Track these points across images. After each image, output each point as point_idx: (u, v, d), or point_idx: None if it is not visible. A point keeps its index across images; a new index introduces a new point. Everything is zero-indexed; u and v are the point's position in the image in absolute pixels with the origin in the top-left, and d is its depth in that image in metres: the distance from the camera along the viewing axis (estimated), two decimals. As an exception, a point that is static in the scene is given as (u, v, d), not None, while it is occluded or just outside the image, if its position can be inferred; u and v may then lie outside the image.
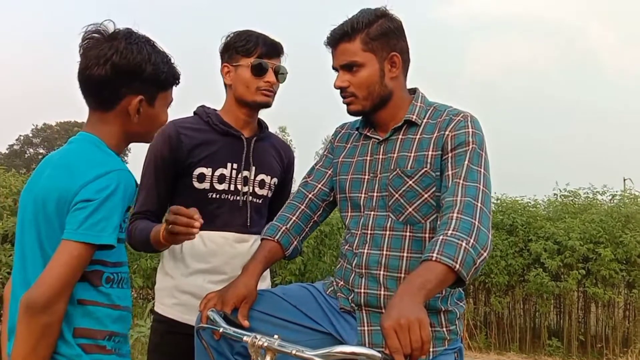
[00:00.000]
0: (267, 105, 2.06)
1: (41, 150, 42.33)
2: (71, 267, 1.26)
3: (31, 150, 43.13)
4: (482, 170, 1.64)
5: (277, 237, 1.86)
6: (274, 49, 2.04)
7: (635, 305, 7.14)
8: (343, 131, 1.99)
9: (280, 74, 2.06)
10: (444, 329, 1.69)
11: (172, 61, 1.50)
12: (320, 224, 2.01)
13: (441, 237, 1.47)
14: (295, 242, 1.89)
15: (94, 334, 1.36)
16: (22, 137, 43.40)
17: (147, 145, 2.05)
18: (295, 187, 2.13)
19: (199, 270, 2.00)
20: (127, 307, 1.46)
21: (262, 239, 1.88)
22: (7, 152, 41.97)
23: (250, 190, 2.08)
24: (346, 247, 1.83)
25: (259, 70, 2.00)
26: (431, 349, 1.65)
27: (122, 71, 1.38)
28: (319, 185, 1.94)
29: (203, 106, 2.14)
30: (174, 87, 1.54)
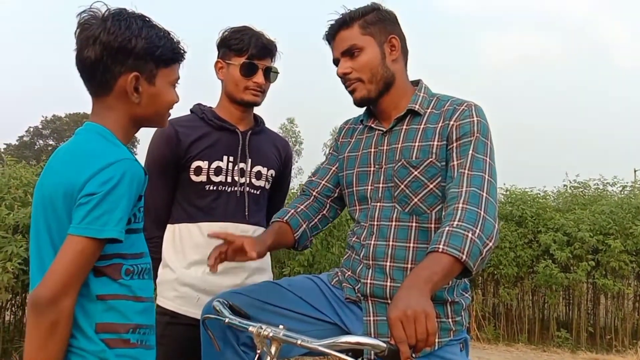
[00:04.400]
0: (255, 104, 2.10)
1: (51, 142, 42.50)
2: (76, 262, 1.22)
3: (41, 141, 43.29)
4: (487, 159, 1.64)
5: (285, 218, 1.87)
6: (266, 50, 2.06)
7: (645, 297, 7.12)
8: (347, 127, 2.00)
9: (270, 74, 2.09)
10: (450, 320, 1.69)
11: (172, 37, 1.44)
12: (331, 220, 2.00)
13: (447, 228, 1.47)
14: (304, 226, 1.89)
15: (117, 328, 1.32)
16: (31, 129, 43.55)
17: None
18: (304, 178, 2.13)
19: (197, 261, 2.02)
20: (149, 298, 1.42)
21: (271, 222, 1.90)
22: (17, 143, 42.14)
23: (247, 182, 2.10)
24: (354, 238, 1.83)
25: (248, 71, 2.04)
26: (437, 340, 1.65)
27: (111, 49, 1.33)
28: (323, 182, 1.95)
29: (199, 104, 2.18)
30: (179, 65, 1.48)
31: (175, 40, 1.44)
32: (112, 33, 1.33)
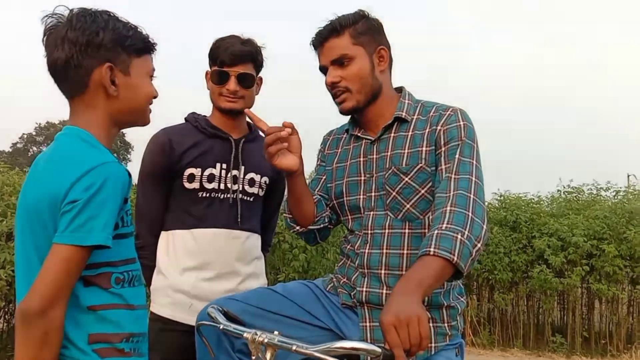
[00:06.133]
0: (233, 111, 2.08)
1: (44, 149, 42.16)
2: (63, 271, 1.20)
3: (34, 148, 43.06)
4: (474, 162, 1.65)
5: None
6: (235, 57, 2.04)
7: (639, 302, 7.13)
8: (331, 138, 2.00)
9: (245, 80, 2.06)
10: (446, 325, 1.69)
11: (141, 30, 1.41)
12: (334, 221, 1.96)
13: (436, 232, 1.48)
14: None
15: (111, 338, 1.30)
16: (25, 136, 43.41)
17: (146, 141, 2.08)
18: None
19: (190, 267, 2.03)
20: (141, 306, 1.40)
21: None
22: (10, 150, 41.96)
23: (240, 188, 2.11)
24: (348, 247, 1.83)
25: (218, 78, 2.06)
26: (433, 345, 1.66)
27: (80, 44, 1.30)
28: (316, 192, 1.94)
29: (193, 113, 2.19)
30: (151, 56, 1.46)
31: (144, 33, 1.42)
32: (78, 29, 1.31)
